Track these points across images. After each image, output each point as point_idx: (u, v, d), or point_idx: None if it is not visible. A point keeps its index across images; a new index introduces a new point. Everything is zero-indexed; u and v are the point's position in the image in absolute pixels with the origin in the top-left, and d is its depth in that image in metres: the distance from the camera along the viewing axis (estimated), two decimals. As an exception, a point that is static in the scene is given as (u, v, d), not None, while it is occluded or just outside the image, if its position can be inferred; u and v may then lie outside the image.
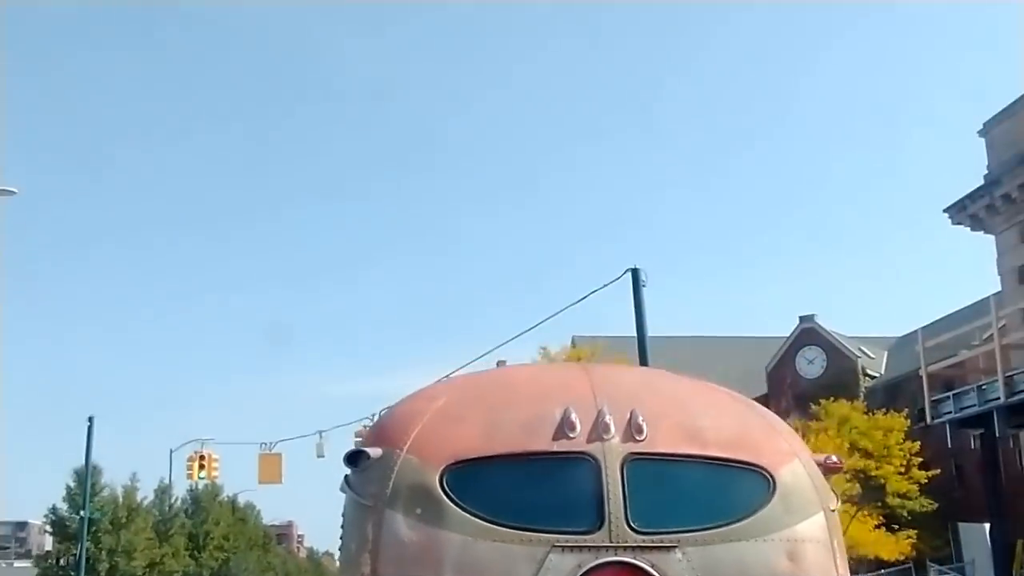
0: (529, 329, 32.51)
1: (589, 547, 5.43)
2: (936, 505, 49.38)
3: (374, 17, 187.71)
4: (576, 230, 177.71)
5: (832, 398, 51.18)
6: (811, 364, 65.23)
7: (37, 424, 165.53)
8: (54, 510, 62.31)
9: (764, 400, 54.59)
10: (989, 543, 31.71)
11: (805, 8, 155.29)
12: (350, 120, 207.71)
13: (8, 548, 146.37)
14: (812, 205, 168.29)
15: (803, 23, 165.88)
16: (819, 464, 6.17)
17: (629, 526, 5.47)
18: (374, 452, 5.88)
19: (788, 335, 67.80)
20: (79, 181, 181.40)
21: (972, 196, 33.50)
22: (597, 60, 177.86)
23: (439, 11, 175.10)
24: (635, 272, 25.80)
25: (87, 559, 53.37)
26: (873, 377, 64.23)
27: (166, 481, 71.21)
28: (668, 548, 5.46)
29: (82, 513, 53.87)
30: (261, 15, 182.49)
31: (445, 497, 5.57)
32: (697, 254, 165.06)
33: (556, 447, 5.67)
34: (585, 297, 27.24)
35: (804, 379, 61.73)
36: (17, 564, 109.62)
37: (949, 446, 37.90)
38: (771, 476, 5.80)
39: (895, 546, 45.37)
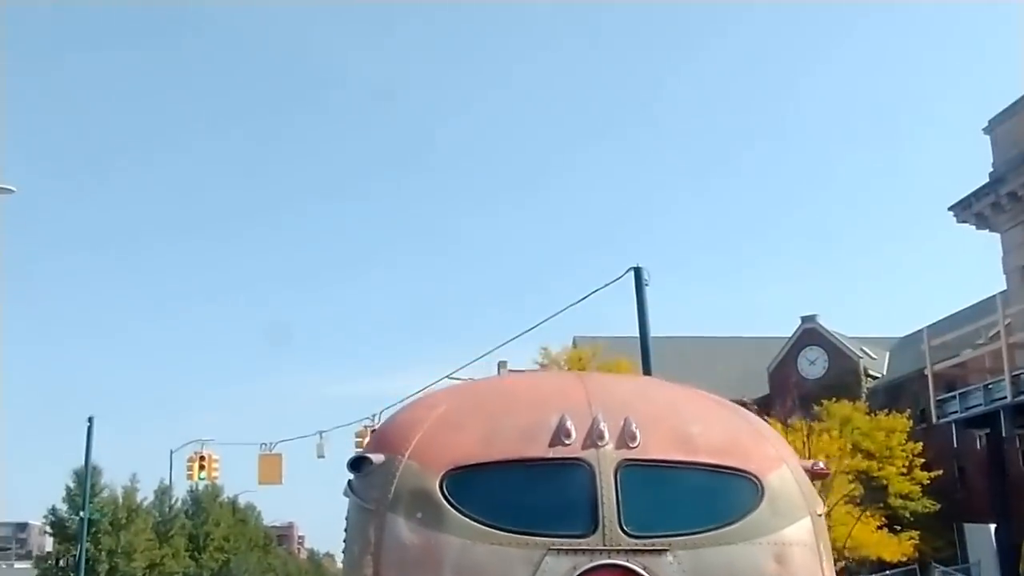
0: (530, 329, 32.36)
1: (584, 550, 5.62)
2: (938, 506, 49.25)
3: (375, 18, 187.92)
4: (577, 231, 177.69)
5: (834, 399, 50.99)
6: (813, 365, 65.11)
7: (38, 425, 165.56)
8: (54, 511, 62.20)
9: (766, 400, 54.56)
10: (995, 544, 31.47)
11: (806, 8, 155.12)
12: (351, 121, 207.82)
13: (9, 549, 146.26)
14: (814, 205, 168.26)
15: (804, 23, 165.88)
16: (806, 470, 6.39)
17: (622, 530, 5.66)
18: (376, 458, 6.08)
19: (790, 335, 67.73)
20: (80, 183, 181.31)
21: (977, 194, 33.27)
22: (598, 60, 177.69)
23: (440, 12, 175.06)
24: (637, 271, 25.63)
25: (87, 560, 53.21)
26: (875, 378, 64.11)
27: (166, 482, 71.11)
28: (660, 551, 5.66)
29: (82, 514, 53.66)
30: (263, 17, 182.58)
31: (445, 501, 5.76)
32: (698, 254, 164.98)
33: (552, 453, 5.87)
34: (587, 296, 27.12)
35: (806, 380, 61.51)
36: (18, 565, 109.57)
37: (955, 446, 37.69)
38: (759, 481, 6.01)
39: (897, 547, 45.21)
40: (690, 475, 6.00)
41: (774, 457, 6.27)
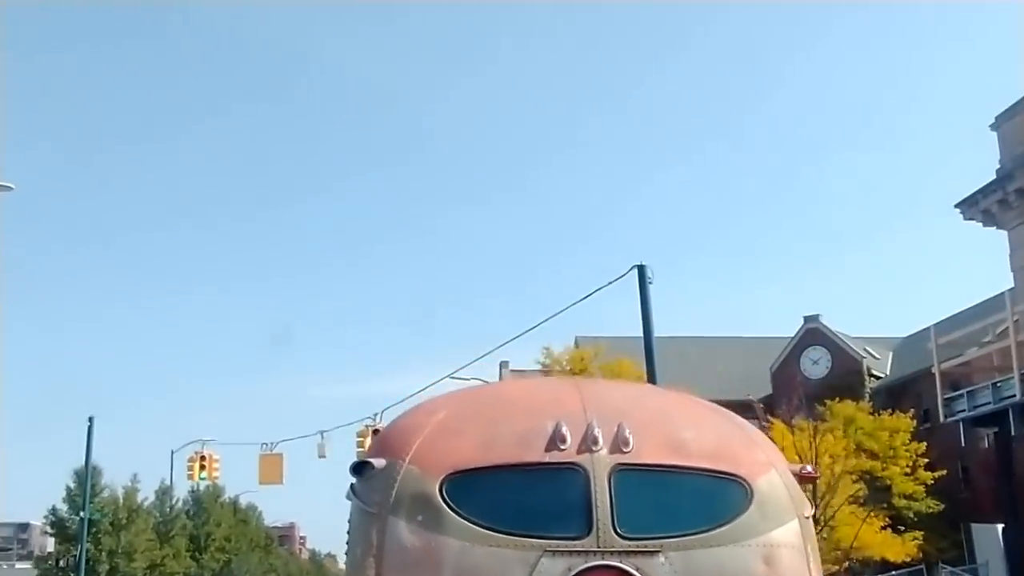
0: (530, 329, 32.19)
1: (578, 552, 5.87)
2: (942, 506, 49.08)
3: (369, 13, 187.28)
4: (579, 231, 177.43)
5: (837, 399, 50.82)
6: (816, 364, 64.94)
7: (40, 425, 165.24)
8: (54, 511, 62.01)
9: (768, 401, 54.37)
10: (1002, 544, 31.27)
11: (807, 2, 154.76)
12: (348, 115, 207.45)
13: (10, 550, 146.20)
14: (816, 204, 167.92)
15: (804, 18, 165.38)
16: (794, 474, 6.63)
17: (616, 532, 5.91)
18: (378, 462, 6.33)
19: (792, 335, 67.56)
20: (78, 179, 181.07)
21: (984, 191, 32.96)
22: (595, 58, 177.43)
23: (433, 7, 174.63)
24: (641, 269, 25.49)
25: (87, 560, 53.07)
26: (878, 378, 63.93)
27: (167, 482, 70.97)
28: (652, 553, 5.92)
29: (82, 514, 53.54)
30: (257, 12, 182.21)
31: (445, 505, 6.02)
32: (700, 254, 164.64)
33: (548, 458, 6.11)
34: (590, 295, 26.98)
35: (809, 379, 61.27)
36: (19, 566, 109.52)
37: (962, 445, 37.49)
38: (749, 485, 6.24)
39: (901, 548, 44.98)
40: (682, 479, 6.23)
41: (763, 462, 6.51)
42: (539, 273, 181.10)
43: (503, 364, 65.26)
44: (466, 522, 5.97)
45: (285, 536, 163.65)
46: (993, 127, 33.45)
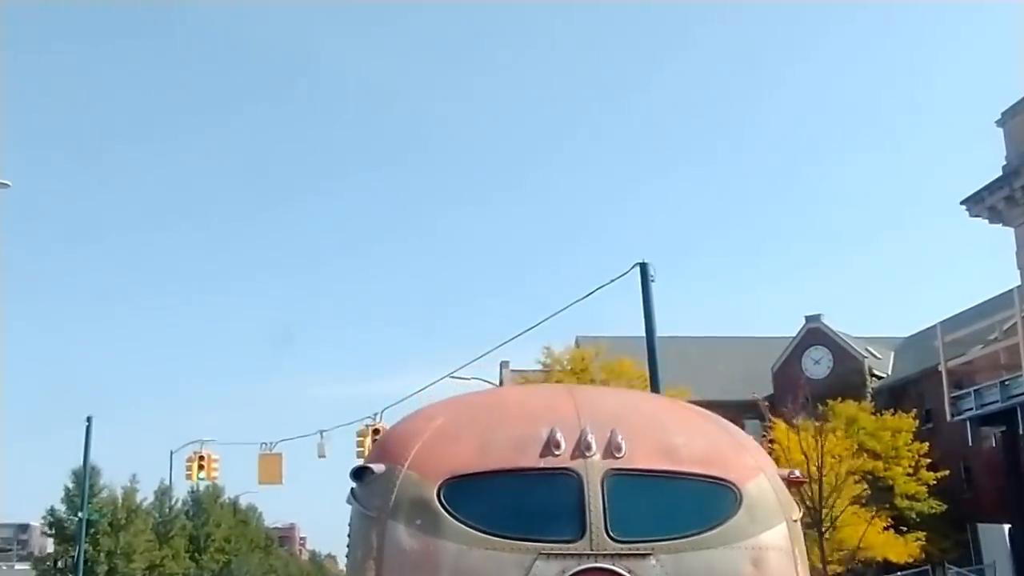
0: (531, 328, 31.94)
1: (572, 554, 6.05)
2: (945, 507, 48.91)
3: (368, 12, 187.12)
4: (579, 231, 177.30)
5: (839, 399, 50.62)
6: (817, 364, 64.72)
7: (40, 425, 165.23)
8: (52, 511, 61.86)
9: (770, 401, 54.18)
10: (1008, 545, 30.99)
11: (807, 1, 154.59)
12: (349, 117, 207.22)
13: (10, 550, 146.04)
14: (818, 204, 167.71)
15: (804, 17, 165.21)
16: (783, 478, 6.82)
17: (608, 535, 6.09)
18: (378, 468, 6.54)
19: (794, 335, 67.33)
20: (77, 178, 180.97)
21: (990, 188, 32.72)
22: (595, 58, 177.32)
23: (431, 5, 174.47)
24: (643, 267, 25.26)
25: (86, 561, 52.87)
26: (880, 378, 63.72)
27: (166, 482, 70.75)
28: (644, 555, 6.09)
29: (80, 515, 53.32)
30: (255, 10, 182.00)
31: (442, 509, 6.22)
32: (701, 254, 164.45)
33: (543, 464, 6.30)
34: (592, 293, 26.78)
35: (810, 379, 61.03)
36: (18, 566, 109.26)
37: (970, 444, 37.23)
38: (738, 490, 6.44)
39: (904, 548, 44.80)
40: (673, 483, 6.43)
41: (752, 467, 6.70)
42: (539, 273, 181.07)
43: (503, 364, 65.06)
44: (463, 526, 6.14)
45: (285, 537, 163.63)
46: (999, 123, 33.17)
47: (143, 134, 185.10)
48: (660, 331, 26.06)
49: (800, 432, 38.59)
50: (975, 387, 28.70)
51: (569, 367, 49.87)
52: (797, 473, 7.08)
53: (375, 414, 41.91)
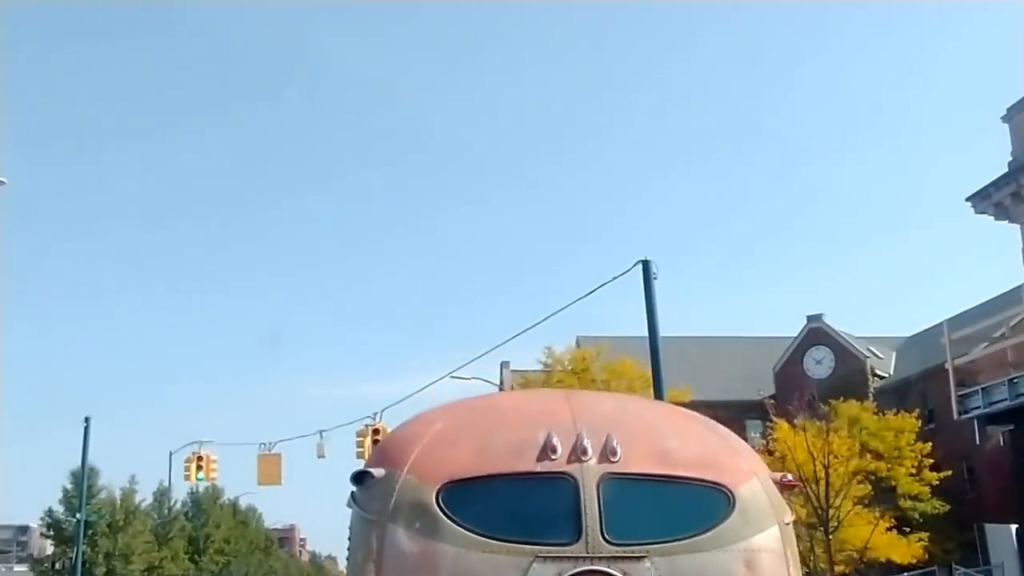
0: (532, 327, 31.66)
1: (568, 557, 6.17)
2: (948, 507, 48.73)
3: (369, 12, 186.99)
4: (580, 231, 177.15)
5: (841, 399, 50.41)
6: (819, 364, 64.54)
7: (40, 426, 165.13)
8: (50, 513, 61.68)
9: (771, 400, 53.97)
10: (1017, 545, 30.72)
11: (810, 1, 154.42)
12: (349, 116, 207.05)
13: (10, 552, 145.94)
14: (820, 204, 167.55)
15: (807, 17, 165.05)
16: (776, 482, 6.95)
17: (604, 538, 6.21)
18: (378, 472, 6.67)
19: (796, 335, 67.12)
20: (75, 178, 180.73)
21: (996, 184, 32.26)
22: (599, 60, 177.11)
23: (432, 4, 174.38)
24: (646, 264, 25.04)
25: (84, 563, 52.64)
26: (882, 377, 63.53)
27: (165, 483, 70.56)
28: (638, 558, 6.22)
29: (78, 516, 53.10)
30: (255, 9, 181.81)
31: (441, 513, 6.34)
32: (702, 255, 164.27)
33: (540, 468, 6.44)
34: (594, 291, 26.59)
35: (812, 379, 60.86)
36: (17, 568, 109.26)
37: (976, 442, 36.97)
38: (731, 493, 6.57)
39: (907, 549, 44.57)
40: (667, 487, 6.54)
41: (746, 470, 6.83)
42: (540, 274, 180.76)
43: (504, 364, 64.88)
44: (461, 529, 6.28)
45: (285, 538, 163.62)
46: (1005, 119, 32.87)
47: (141, 133, 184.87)
48: (661, 331, 25.82)
49: (804, 432, 38.35)
50: (983, 385, 28.39)
51: (570, 367, 49.70)
52: (790, 477, 7.22)
53: (375, 414, 41.69)
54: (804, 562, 15.04)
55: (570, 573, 6.18)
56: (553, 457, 6.48)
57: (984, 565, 42.80)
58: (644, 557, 6.27)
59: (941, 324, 43.88)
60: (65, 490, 59.75)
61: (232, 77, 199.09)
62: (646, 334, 25.59)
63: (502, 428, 6.87)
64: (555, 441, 6.54)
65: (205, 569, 79.59)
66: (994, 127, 33.76)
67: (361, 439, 40.48)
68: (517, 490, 6.49)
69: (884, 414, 50.82)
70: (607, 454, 6.51)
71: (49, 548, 66.39)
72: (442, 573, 6.26)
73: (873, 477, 44.71)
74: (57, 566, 62.13)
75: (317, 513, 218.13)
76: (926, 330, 61.99)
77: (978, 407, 28.13)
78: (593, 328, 54.49)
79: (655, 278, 25.00)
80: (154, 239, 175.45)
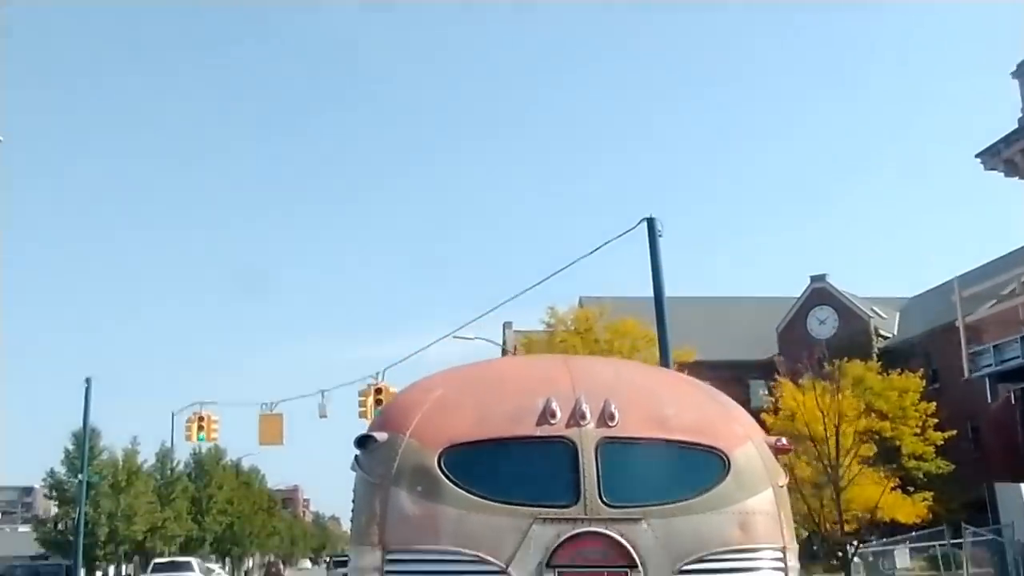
0: (535, 285, 31.50)
1: (567, 519, 6.46)
2: (952, 467, 48.59)
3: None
4: (586, 191, 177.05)
5: (845, 359, 50.18)
6: (823, 324, 64.29)
7: (44, 387, 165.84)
8: (52, 473, 61.62)
9: (781, 358, 53.75)
10: None
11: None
12: (357, 57, 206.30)
13: (15, 513, 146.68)
14: (822, 164, 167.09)
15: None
16: (770, 446, 7.23)
17: (602, 501, 6.50)
18: (381, 436, 6.91)
19: (799, 295, 66.81)
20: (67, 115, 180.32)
21: (1006, 140, 31.61)
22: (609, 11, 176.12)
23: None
24: (650, 221, 24.79)
25: (86, 523, 52.63)
26: (886, 337, 63.30)
27: (168, 444, 70.49)
28: (635, 520, 6.51)
29: (80, 477, 53.04)
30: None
31: (443, 476, 6.60)
32: (707, 215, 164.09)
33: (539, 432, 6.72)
34: (598, 248, 26.43)
35: (816, 339, 60.62)
36: (22, 528, 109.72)
37: (989, 400, 36.73)
38: (726, 457, 6.87)
39: (912, 508, 44.42)
40: (663, 451, 6.85)
41: (741, 435, 7.11)
42: (544, 235, 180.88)
43: (507, 325, 64.68)
44: (463, 492, 6.52)
45: (289, 499, 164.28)
46: (1015, 75, 32.30)
47: (138, 67, 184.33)
48: (665, 291, 25.53)
49: (811, 391, 38.04)
50: (994, 343, 28.08)
51: (573, 327, 49.37)
52: (784, 441, 7.46)
53: (377, 374, 41.51)
54: (812, 521, 15.12)
55: (569, 534, 6.44)
56: (552, 422, 6.74)
57: (994, 524, 42.59)
58: (641, 519, 6.53)
59: (945, 284, 43.64)
60: (67, 451, 59.67)
61: (217, 12, 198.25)
62: (650, 294, 25.39)
63: (502, 393, 7.15)
64: (554, 406, 6.77)
65: (208, 529, 79.69)
66: (1008, 82, 33.31)
67: (363, 399, 40.28)
68: (517, 454, 6.75)
69: (888, 374, 50.59)
70: (605, 419, 6.76)
71: (53, 509, 66.36)
72: (443, 535, 6.47)
73: (877, 437, 44.51)
74: (60, 526, 62.14)
75: (320, 475, 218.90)
76: (930, 290, 61.71)
77: (989, 365, 27.84)
78: (597, 289, 54.45)
79: (660, 235, 24.71)
80: (159, 207, 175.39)
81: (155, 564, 55.59)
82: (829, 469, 23.56)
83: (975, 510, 45.99)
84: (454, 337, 43.68)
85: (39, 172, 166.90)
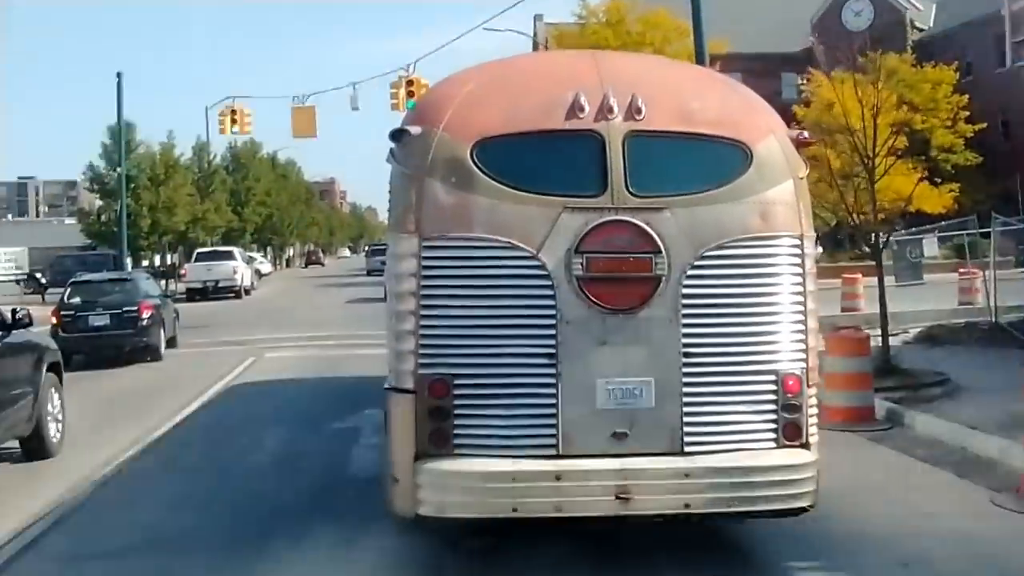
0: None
1: (595, 208, 6.90)
2: (980, 159, 48.78)
3: None
4: None
5: (879, 51, 49.47)
6: (858, 16, 62.86)
7: (84, 85, 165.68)
8: (91, 167, 62.41)
9: (808, 52, 53.20)
10: None
11: None
12: None
13: (60, 206, 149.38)
14: None
15: None
16: (792, 139, 7.48)
17: (628, 191, 6.91)
18: (415, 130, 7.18)
19: (834, -16, 65.18)
20: None
21: None
22: None
23: None
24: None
25: (128, 215, 53.59)
26: (921, 30, 62.21)
27: (203, 139, 71.04)
28: (659, 209, 6.93)
29: (119, 170, 53.71)
30: None
31: (475, 167, 6.93)
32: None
33: (568, 125, 7.03)
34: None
35: (850, 31, 59.47)
36: (67, 221, 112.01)
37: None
38: (749, 149, 7.17)
39: (938, 199, 44.79)
40: (688, 144, 7.18)
41: (763, 128, 7.38)
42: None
43: (537, 17, 63.91)
44: (495, 182, 6.88)
45: (325, 191, 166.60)
46: None
47: None
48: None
49: (849, 81, 37.94)
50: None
51: (605, 19, 48.75)
52: (806, 134, 7.71)
53: (407, 65, 41.52)
54: (844, 210, 15.72)
55: (596, 223, 6.86)
56: (581, 115, 7.00)
57: (1021, 214, 42.98)
58: (665, 208, 6.93)
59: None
60: (104, 145, 60.04)
61: None
62: (684, -18, 24.79)
63: (532, 88, 7.38)
64: (583, 100, 7.00)
65: (248, 220, 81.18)
66: None
67: (395, 91, 40.40)
68: (547, 146, 7.09)
69: (922, 66, 50.11)
70: (632, 112, 7.02)
71: (97, 203, 67.26)
72: (476, 223, 6.86)
73: (907, 129, 44.47)
74: (104, 218, 63.08)
75: (357, 166, 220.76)
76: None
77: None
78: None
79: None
80: None
81: (198, 254, 57.18)
82: (865, 159, 23.66)
83: (1001, 201, 46.39)
84: (484, 28, 43.54)
85: None
